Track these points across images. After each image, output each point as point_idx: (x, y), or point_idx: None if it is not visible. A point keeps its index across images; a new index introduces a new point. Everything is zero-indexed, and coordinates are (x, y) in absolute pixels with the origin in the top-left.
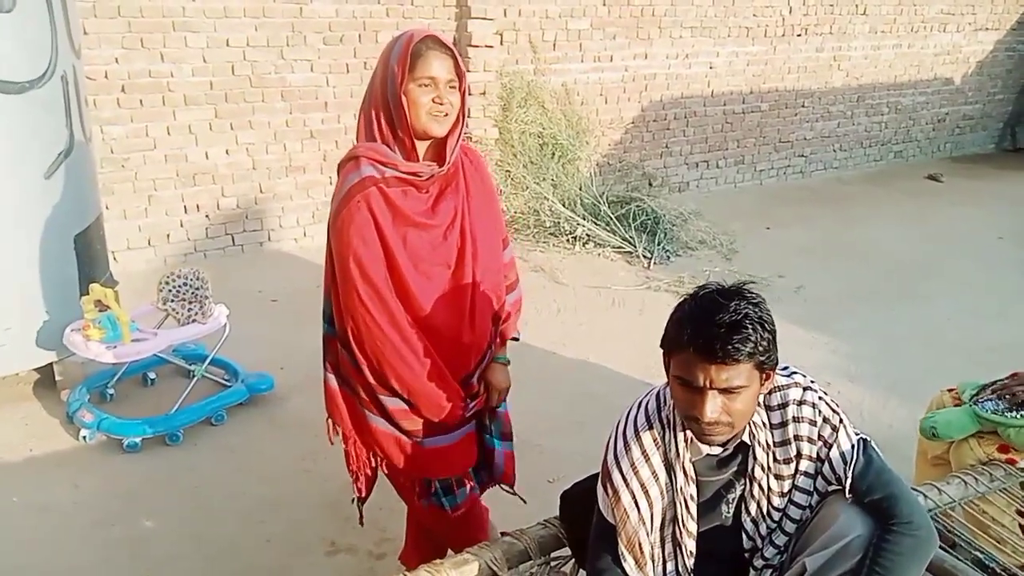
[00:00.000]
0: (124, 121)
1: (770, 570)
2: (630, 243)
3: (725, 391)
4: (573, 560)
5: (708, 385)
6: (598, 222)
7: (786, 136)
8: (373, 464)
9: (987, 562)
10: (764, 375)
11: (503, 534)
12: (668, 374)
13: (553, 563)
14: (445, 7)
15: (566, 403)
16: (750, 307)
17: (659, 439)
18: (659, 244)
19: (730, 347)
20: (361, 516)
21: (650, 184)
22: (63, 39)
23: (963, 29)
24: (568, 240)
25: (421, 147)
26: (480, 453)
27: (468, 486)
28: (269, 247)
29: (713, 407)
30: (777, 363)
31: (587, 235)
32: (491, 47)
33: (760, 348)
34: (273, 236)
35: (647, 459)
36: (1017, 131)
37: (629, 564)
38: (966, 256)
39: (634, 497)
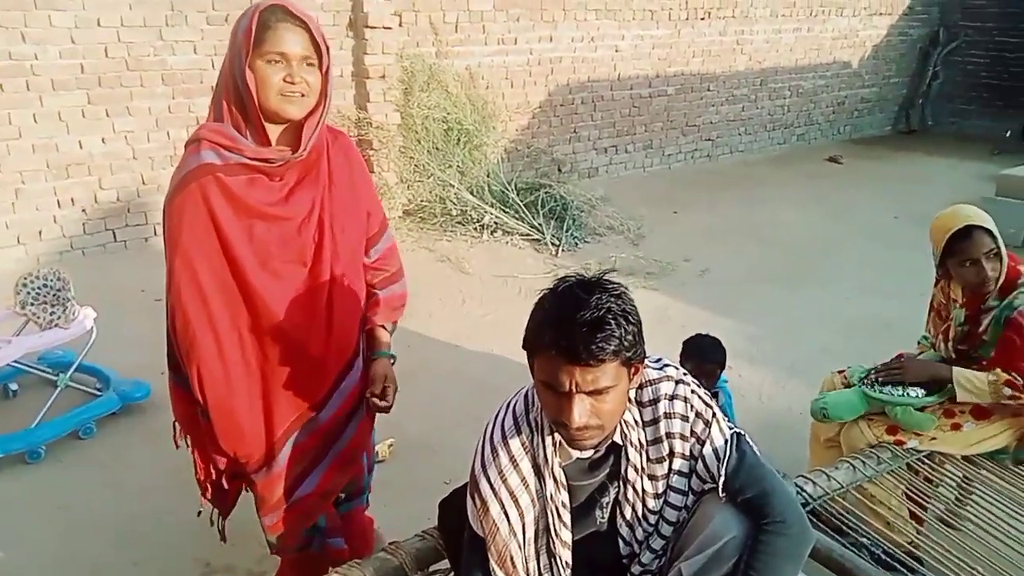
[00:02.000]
0: None
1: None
2: (538, 230)
3: (592, 393)
4: (452, 573)
5: (574, 389)
6: (506, 209)
7: (693, 120)
8: (218, 474)
9: (872, 548)
10: (632, 369)
11: (392, 544)
12: (533, 376)
13: None
14: None
15: (467, 398)
16: (612, 300)
17: (528, 443)
18: (567, 231)
19: (594, 347)
20: (222, 533)
21: (559, 170)
22: None
23: (859, 13)
24: (475, 228)
25: (274, 131)
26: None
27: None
28: (155, 242)
29: (581, 411)
30: (644, 356)
31: (494, 223)
32: (389, 28)
33: (626, 343)
34: (159, 231)
35: (516, 465)
36: (911, 113)
37: None
38: (865, 236)
39: (503, 507)
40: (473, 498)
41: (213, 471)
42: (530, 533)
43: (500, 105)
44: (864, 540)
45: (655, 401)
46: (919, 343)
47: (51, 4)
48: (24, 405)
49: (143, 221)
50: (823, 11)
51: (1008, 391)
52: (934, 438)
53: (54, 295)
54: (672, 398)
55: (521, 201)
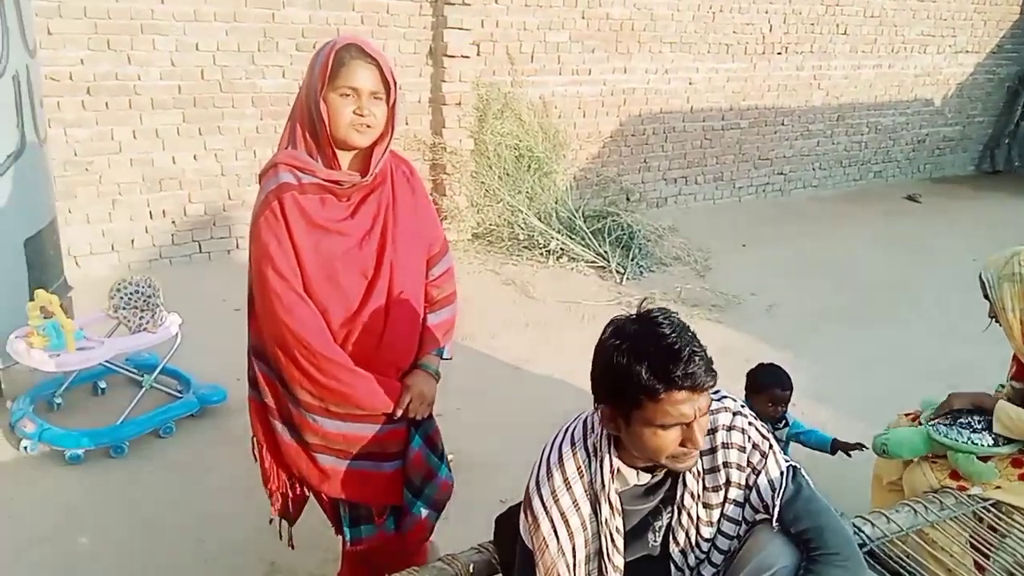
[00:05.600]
0: (88, 124)
1: None
2: (604, 258)
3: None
4: None
5: (697, 414)
6: (573, 236)
7: (765, 153)
8: (289, 484)
9: None
10: None
11: (448, 555)
12: (628, 426)
13: None
14: (421, 15)
15: (528, 420)
16: (679, 327)
17: (583, 467)
18: (633, 260)
19: (708, 372)
20: (291, 538)
21: (628, 199)
22: (15, 38)
23: (943, 51)
24: (541, 254)
25: (344, 157)
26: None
27: (378, 525)
28: (237, 255)
29: (702, 432)
30: None
31: (561, 249)
32: (467, 57)
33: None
34: (242, 244)
35: (568, 487)
36: (996, 153)
37: None
38: (940, 278)
39: (553, 526)
40: (526, 514)
41: (287, 481)
42: (580, 555)
43: (571, 134)
44: None
45: (713, 431)
46: (996, 390)
47: (155, 29)
48: (111, 403)
49: (227, 234)
50: (905, 48)
51: None
52: (999, 487)
53: (144, 301)
54: (730, 428)
55: (588, 228)
